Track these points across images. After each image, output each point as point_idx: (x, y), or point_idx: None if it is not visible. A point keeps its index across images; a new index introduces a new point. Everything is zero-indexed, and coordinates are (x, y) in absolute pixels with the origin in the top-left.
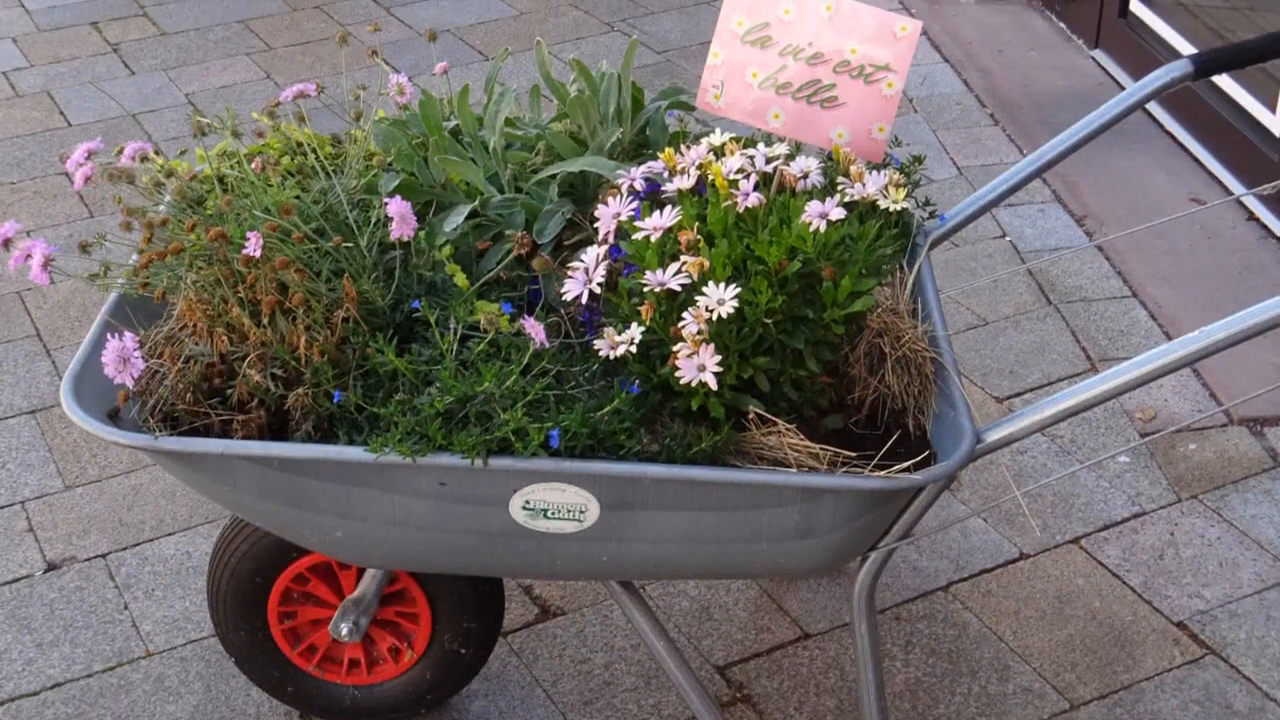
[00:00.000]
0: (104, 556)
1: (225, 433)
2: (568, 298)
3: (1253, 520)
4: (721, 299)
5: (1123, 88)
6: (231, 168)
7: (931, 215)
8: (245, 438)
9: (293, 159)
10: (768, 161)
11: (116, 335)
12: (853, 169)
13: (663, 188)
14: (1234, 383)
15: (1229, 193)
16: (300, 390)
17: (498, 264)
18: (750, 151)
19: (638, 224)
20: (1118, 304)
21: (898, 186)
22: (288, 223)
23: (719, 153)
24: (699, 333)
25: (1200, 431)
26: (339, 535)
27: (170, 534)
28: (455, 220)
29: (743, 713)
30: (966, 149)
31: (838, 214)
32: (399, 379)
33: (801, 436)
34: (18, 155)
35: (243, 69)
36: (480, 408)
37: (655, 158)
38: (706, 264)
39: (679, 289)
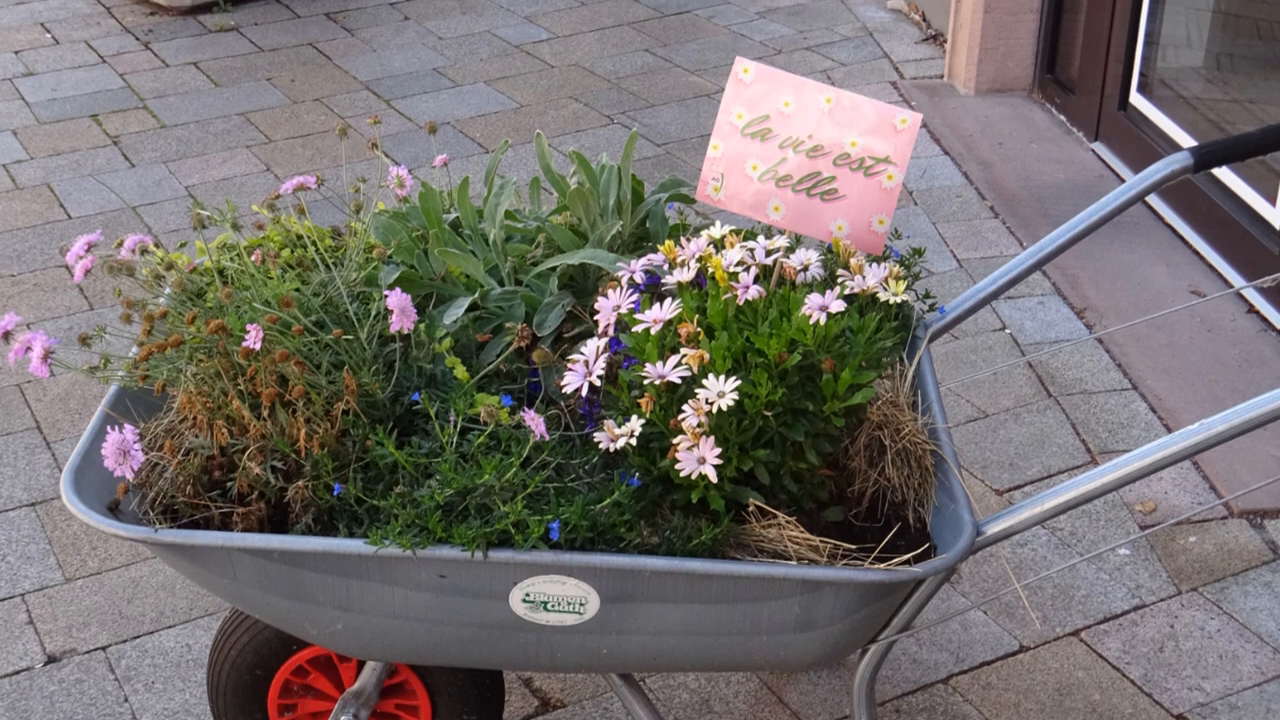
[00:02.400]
0: (104, 649)
1: (225, 525)
2: (568, 390)
3: (1253, 613)
4: (721, 391)
5: (1123, 180)
6: (231, 260)
7: (931, 308)
8: (245, 530)
9: (293, 251)
10: (768, 254)
11: (116, 428)
12: (853, 261)
13: (663, 280)
14: (1234, 475)
15: (1229, 285)
16: (300, 483)
17: (498, 356)
18: (750, 244)
19: (638, 316)
20: (1118, 396)
21: (898, 279)
22: (288, 315)
23: (719, 245)
24: (699, 425)
25: (1200, 524)
26: (339, 628)
27: (170, 626)
28: (455, 313)
29: None
30: (966, 241)
31: (838, 306)
32: (399, 471)
33: (801, 529)
34: (18, 248)
35: (243, 161)
36: (480, 500)
37: (655, 250)
38: (706, 356)
39: (679, 381)
